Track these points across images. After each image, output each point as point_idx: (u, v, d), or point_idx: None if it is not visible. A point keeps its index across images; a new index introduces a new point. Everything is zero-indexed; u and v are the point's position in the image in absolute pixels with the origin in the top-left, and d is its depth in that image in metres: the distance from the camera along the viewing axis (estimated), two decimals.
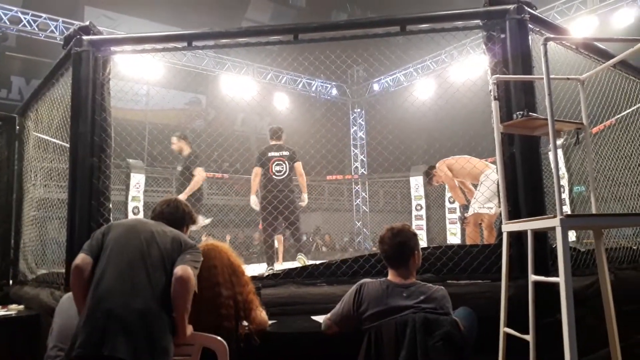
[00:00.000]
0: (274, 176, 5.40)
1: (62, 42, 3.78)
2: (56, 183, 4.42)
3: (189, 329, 2.11)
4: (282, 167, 5.43)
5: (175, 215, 2.46)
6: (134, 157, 8.71)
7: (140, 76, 9.38)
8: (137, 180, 8.44)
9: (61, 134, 4.03)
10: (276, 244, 6.51)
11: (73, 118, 3.37)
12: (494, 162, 4.94)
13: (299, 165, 5.56)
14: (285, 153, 5.53)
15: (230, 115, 14.23)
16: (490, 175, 4.90)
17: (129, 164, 8.56)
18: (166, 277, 2.08)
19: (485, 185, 4.92)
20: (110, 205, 3.34)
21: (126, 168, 8.50)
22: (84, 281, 2.06)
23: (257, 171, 5.56)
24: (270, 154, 5.51)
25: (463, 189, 5.59)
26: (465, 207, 5.34)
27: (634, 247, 4.08)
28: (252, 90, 11.61)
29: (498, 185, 2.87)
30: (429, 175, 5.55)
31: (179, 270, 2.05)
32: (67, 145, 3.56)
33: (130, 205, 8.22)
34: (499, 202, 2.66)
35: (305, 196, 5.70)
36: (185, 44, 3.48)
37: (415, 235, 2.45)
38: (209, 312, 2.27)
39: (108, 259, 2.07)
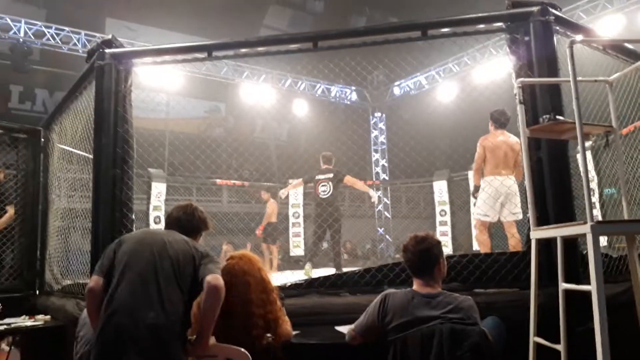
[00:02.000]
0: (320, 196, 6.37)
1: (84, 55, 3.84)
2: (80, 193, 4.49)
3: (212, 340, 2.10)
4: (327, 188, 6.35)
5: (192, 222, 2.45)
6: (154, 167, 8.81)
7: (160, 86, 9.52)
8: (159, 190, 8.54)
9: (84, 145, 4.09)
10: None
11: (96, 130, 3.42)
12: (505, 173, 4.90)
13: (349, 178, 6.50)
14: (330, 175, 6.40)
15: (249, 123, 14.31)
16: (492, 182, 4.87)
17: (150, 173, 8.66)
18: (179, 290, 2.07)
19: (487, 192, 4.89)
20: (133, 216, 3.36)
21: (147, 177, 8.60)
22: (99, 303, 2.06)
23: (299, 182, 7.15)
24: (318, 177, 6.47)
25: None
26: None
27: None
28: (271, 97, 11.67)
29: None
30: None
31: (211, 279, 2.04)
32: (91, 156, 3.61)
33: (152, 214, 8.32)
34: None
35: (371, 192, 7.02)
36: (205, 54, 3.50)
37: (439, 243, 2.40)
38: (240, 328, 2.26)
39: (121, 274, 2.07)
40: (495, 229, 5.59)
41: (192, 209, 2.50)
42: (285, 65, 11.88)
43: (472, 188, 5.66)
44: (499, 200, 4.87)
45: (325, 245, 7.15)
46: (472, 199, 5.62)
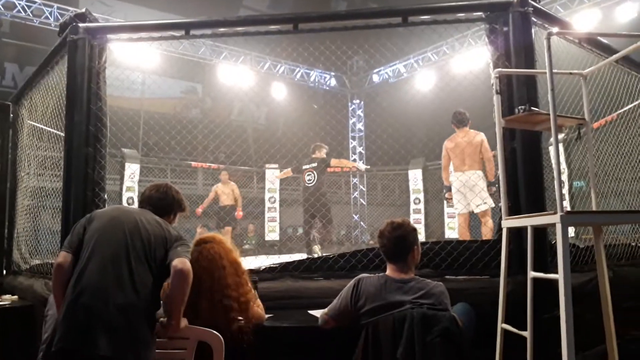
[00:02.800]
0: (306, 184, 6.59)
1: (56, 29, 3.71)
2: (51, 172, 4.38)
3: (184, 322, 2.08)
4: (311, 177, 6.55)
5: (164, 201, 2.37)
6: (128, 147, 8.64)
7: (135, 64, 9.28)
8: (132, 170, 8.39)
9: (56, 122, 3.97)
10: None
11: (68, 107, 3.32)
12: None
13: (334, 161, 6.83)
14: (314, 164, 6.58)
15: (226, 105, 14.11)
16: (459, 177, 5.39)
17: (124, 153, 8.49)
18: (150, 271, 2.03)
19: (455, 188, 5.45)
20: (106, 196, 3.29)
21: (121, 157, 8.42)
22: (66, 279, 2.01)
23: (287, 172, 7.30)
24: (304, 166, 6.70)
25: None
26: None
27: (633, 244, 4.07)
28: (250, 79, 11.52)
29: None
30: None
31: (177, 263, 2.01)
32: (62, 134, 3.51)
33: (125, 195, 8.18)
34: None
35: (360, 165, 7.63)
36: (182, 32, 3.42)
37: (414, 230, 2.43)
38: (210, 311, 2.24)
39: (90, 253, 2.02)
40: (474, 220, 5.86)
41: (165, 188, 2.42)
42: (265, 47, 11.74)
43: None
44: (465, 194, 5.28)
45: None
46: (447, 199, 5.86)
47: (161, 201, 2.36)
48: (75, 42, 3.31)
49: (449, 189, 5.59)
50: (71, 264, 2.04)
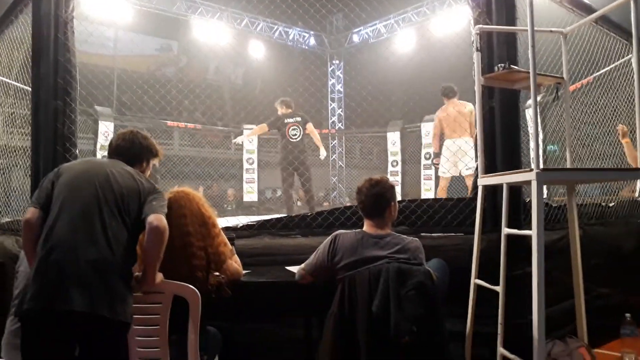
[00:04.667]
0: (291, 139, 6.31)
1: None
2: (19, 130, 4.22)
3: (159, 277, 2.06)
4: (297, 132, 6.33)
5: (132, 150, 2.26)
6: (102, 105, 8.39)
7: (107, 19, 8.91)
8: (106, 129, 8.17)
9: (23, 76, 3.80)
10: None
11: (34, 58, 3.17)
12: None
13: (310, 126, 6.48)
14: (298, 119, 6.40)
15: (203, 63, 13.72)
16: (450, 145, 5.89)
17: (97, 111, 8.24)
18: (124, 225, 1.98)
19: (445, 155, 5.95)
20: (77, 152, 3.20)
21: (95, 116, 8.19)
22: (36, 236, 1.94)
23: (262, 127, 6.73)
24: (286, 120, 6.39)
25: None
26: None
27: (602, 204, 4.18)
28: (226, 37, 11.19)
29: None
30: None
31: (153, 219, 1.96)
32: (29, 88, 3.36)
33: (99, 154, 7.99)
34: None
35: (322, 150, 6.78)
36: None
37: (392, 187, 2.44)
38: (180, 261, 2.23)
39: (60, 208, 1.94)
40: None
41: (131, 135, 2.30)
42: (242, 2, 11.35)
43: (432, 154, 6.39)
44: (455, 160, 5.84)
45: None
46: (435, 164, 6.24)
47: (129, 150, 2.25)
48: None
49: (438, 155, 6.10)
50: (40, 219, 1.97)
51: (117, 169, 2.09)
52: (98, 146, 8.07)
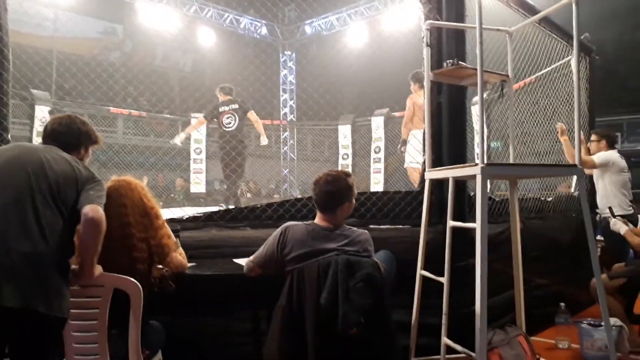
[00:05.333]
0: (224, 128, 6.08)
1: None
2: None
3: (98, 270, 1.96)
4: (232, 120, 6.05)
5: (68, 135, 2.11)
6: (39, 89, 7.91)
7: None
8: (44, 114, 7.72)
9: None
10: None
11: None
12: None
13: (252, 114, 6.19)
14: (235, 106, 6.10)
15: (150, 49, 13.25)
16: (418, 136, 5.45)
17: (33, 95, 7.77)
18: (60, 215, 1.85)
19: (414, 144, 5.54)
20: (10, 137, 2.98)
21: (29, 99, 7.71)
22: None
23: (200, 120, 6.55)
24: (221, 109, 6.13)
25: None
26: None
27: (542, 199, 4.37)
28: (175, 22, 10.84)
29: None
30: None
31: (89, 210, 1.83)
32: None
33: (36, 140, 7.54)
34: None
35: (264, 137, 6.48)
36: None
37: (350, 186, 2.38)
38: (120, 253, 2.13)
39: None
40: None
41: (68, 119, 2.15)
42: None
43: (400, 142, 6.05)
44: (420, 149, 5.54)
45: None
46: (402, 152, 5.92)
47: (65, 135, 2.10)
48: None
49: (405, 143, 5.79)
50: None
51: (52, 155, 1.95)
52: (34, 132, 7.61)
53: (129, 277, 2.01)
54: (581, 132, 2.88)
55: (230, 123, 6.04)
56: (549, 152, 4.84)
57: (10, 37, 3.03)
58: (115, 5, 10.95)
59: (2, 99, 2.92)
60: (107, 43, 13.26)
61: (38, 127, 7.60)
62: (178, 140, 6.59)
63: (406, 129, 5.76)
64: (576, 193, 4.93)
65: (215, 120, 6.20)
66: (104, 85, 7.06)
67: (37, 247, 1.76)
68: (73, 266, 1.93)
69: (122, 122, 10.46)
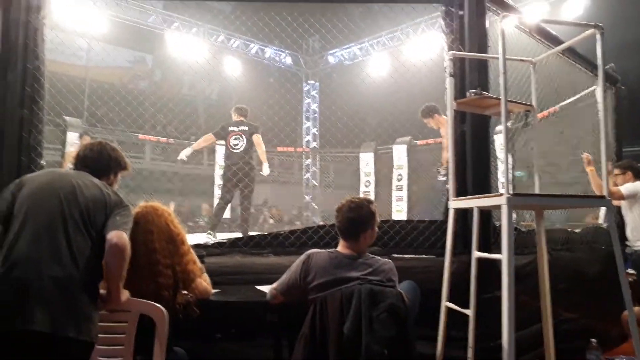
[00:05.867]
0: (231, 150, 5.74)
1: None
2: None
3: (125, 295, 1.99)
4: (239, 141, 5.72)
5: (99, 162, 2.17)
6: (72, 115, 8.19)
7: (80, 28, 8.75)
8: (74, 140, 7.95)
9: None
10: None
11: (1, 65, 3.05)
12: None
13: (257, 137, 5.77)
14: (244, 128, 5.77)
15: (177, 78, 13.63)
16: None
17: (66, 121, 8.04)
18: (90, 240, 1.89)
19: None
20: (43, 162, 3.09)
21: (63, 126, 7.98)
22: None
23: (207, 137, 6.03)
24: (230, 129, 5.82)
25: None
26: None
27: (569, 230, 4.28)
28: (202, 52, 11.16)
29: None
30: (430, 112, 5.44)
31: (113, 236, 1.87)
32: None
33: (67, 166, 7.76)
34: None
35: (266, 165, 6.01)
36: None
37: (373, 213, 2.38)
38: (146, 279, 2.16)
39: (22, 222, 1.84)
40: None
41: (99, 146, 2.22)
42: (217, 16, 11.35)
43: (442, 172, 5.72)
44: None
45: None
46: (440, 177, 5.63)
47: (96, 162, 2.17)
48: None
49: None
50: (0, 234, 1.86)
51: (83, 180, 2.01)
52: (66, 157, 7.84)
53: (155, 303, 2.03)
54: (608, 162, 2.84)
55: (237, 144, 5.74)
56: (575, 182, 4.77)
57: (47, 66, 3.18)
58: (146, 36, 11.35)
59: (38, 126, 3.05)
60: (137, 72, 13.70)
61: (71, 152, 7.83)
62: (184, 155, 6.21)
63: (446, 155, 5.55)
64: (605, 225, 4.81)
65: (224, 140, 5.87)
66: (134, 113, 7.25)
67: (67, 272, 1.80)
68: (101, 291, 1.97)
69: (149, 148, 10.71)
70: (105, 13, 9.57)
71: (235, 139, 5.74)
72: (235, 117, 5.96)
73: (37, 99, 3.05)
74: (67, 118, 8.07)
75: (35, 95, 3.04)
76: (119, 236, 1.88)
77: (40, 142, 3.05)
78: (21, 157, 2.97)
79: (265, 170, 6.04)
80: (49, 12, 3.19)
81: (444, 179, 5.35)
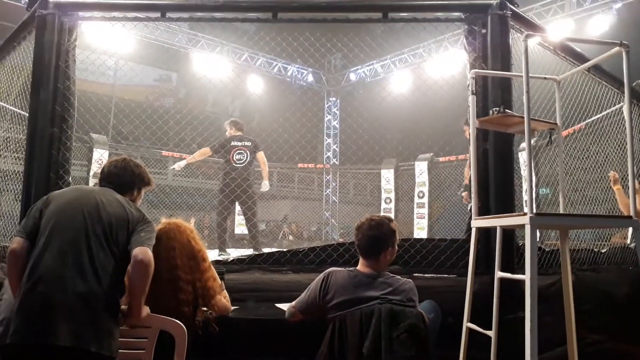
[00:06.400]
0: (234, 164, 5.69)
1: (25, 4, 3.56)
2: (13, 154, 4.21)
3: (145, 310, 2.01)
4: (243, 156, 5.73)
5: (124, 177, 2.21)
6: (99, 132, 8.41)
7: (108, 48, 9.03)
8: (100, 156, 8.15)
9: (21, 102, 3.81)
10: None
11: (34, 85, 3.18)
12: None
13: (261, 155, 5.86)
14: (247, 143, 5.82)
15: (201, 95, 13.90)
16: None
17: (92, 138, 8.25)
18: (112, 256, 1.92)
19: None
20: (70, 179, 3.18)
21: (89, 142, 8.19)
22: (21, 267, 1.88)
23: (203, 151, 6.03)
24: (232, 143, 5.81)
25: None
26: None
27: (595, 250, 4.17)
28: (226, 70, 11.37)
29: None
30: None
31: (138, 252, 1.90)
32: (27, 114, 3.37)
33: (92, 182, 7.94)
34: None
35: (266, 182, 6.09)
36: (158, 14, 3.32)
37: (393, 232, 2.37)
38: (167, 295, 2.18)
39: (47, 237, 1.88)
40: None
41: (123, 162, 2.26)
42: (242, 36, 11.56)
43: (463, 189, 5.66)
44: None
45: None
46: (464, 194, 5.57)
47: (120, 177, 2.20)
48: (44, 17, 3.17)
49: (467, 188, 5.28)
50: (25, 249, 1.91)
51: (106, 197, 2.05)
52: (91, 173, 8.03)
53: (174, 319, 2.05)
54: (635, 181, 2.78)
55: (241, 159, 5.70)
56: (602, 201, 4.66)
57: (77, 86, 3.29)
58: (171, 55, 11.64)
59: (66, 144, 3.14)
60: (162, 90, 14.01)
61: (95, 168, 8.02)
62: (177, 166, 6.32)
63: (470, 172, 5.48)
64: (632, 245, 4.67)
65: (226, 155, 5.78)
66: (158, 130, 7.39)
67: (91, 288, 1.83)
68: (122, 306, 1.99)
69: (172, 164, 10.88)
70: (133, 33, 9.84)
71: (239, 153, 5.74)
72: (233, 132, 5.94)
73: (67, 118, 3.15)
74: (94, 135, 8.29)
75: (65, 114, 3.14)
76: (144, 252, 1.92)
77: (68, 159, 3.13)
78: (50, 173, 3.05)
79: (265, 187, 6.08)
80: (79, 34, 3.30)
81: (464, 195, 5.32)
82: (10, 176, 4.16)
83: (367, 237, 2.33)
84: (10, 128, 4.19)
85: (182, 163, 6.27)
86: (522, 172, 5.48)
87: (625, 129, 2.40)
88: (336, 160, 13.72)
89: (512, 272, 2.59)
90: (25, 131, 3.35)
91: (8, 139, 4.29)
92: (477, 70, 2.91)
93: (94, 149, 8.22)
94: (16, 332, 1.75)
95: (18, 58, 3.87)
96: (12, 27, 4.07)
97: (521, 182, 4.84)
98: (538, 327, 2.03)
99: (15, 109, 4.04)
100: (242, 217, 10.60)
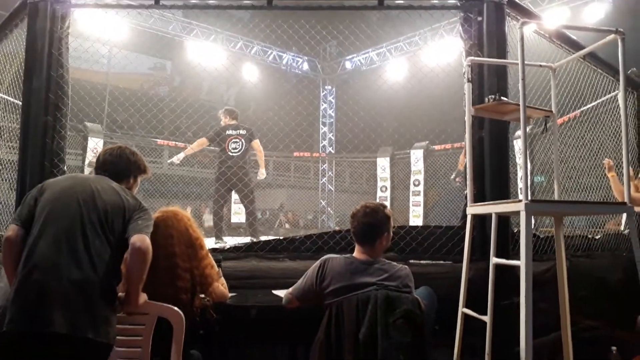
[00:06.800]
0: (230, 153, 5.65)
1: None
2: (7, 143, 4.18)
3: (143, 297, 2.02)
4: (238, 145, 5.69)
5: (119, 165, 2.21)
6: (93, 121, 8.35)
7: (102, 36, 8.94)
8: (95, 145, 8.10)
9: (14, 90, 3.78)
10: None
11: (27, 73, 3.16)
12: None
13: (257, 143, 5.84)
14: (242, 132, 5.77)
15: (196, 84, 13.82)
16: None
17: (87, 127, 8.20)
18: (108, 244, 1.93)
19: None
20: (65, 168, 3.16)
21: (84, 131, 8.14)
22: (16, 254, 1.88)
23: (200, 142, 5.97)
24: (227, 132, 5.75)
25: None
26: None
27: (589, 236, 4.21)
28: (221, 58, 11.29)
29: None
30: None
31: (136, 240, 1.91)
32: (20, 102, 3.35)
33: (87, 170, 7.90)
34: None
35: (263, 171, 6.01)
36: (152, 1, 3.29)
37: (388, 218, 2.39)
38: (165, 282, 2.19)
39: (42, 226, 1.89)
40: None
41: (119, 150, 2.25)
42: (236, 24, 11.48)
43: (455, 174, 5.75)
44: None
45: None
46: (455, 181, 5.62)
47: (116, 165, 2.20)
48: (36, 4, 3.14)
49: (461, 174, 5.48)
50: (20, 237, 1.92)
51: (102, 185, 2.05)
52: (86, 162, 7.99)
53: (172, 306, 2.06)
54: (630, 168, 2.79)
55: (236, 148, 5.67)
56: (596, 188, 4.68)
57: (70, 74, 3.26)
58: (165, 43, 11.53)
59: (61, 132, 3.12)
60: (157, 78, 13.92)
61: (90, 157, 7.98)
62: (176, 159, 6.27)
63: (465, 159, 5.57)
64: (626, 231, 4.72)
65: (221, 143, 5.75)
66: (154, 119, 7.35)
67: (86, 275, 1.83)
68: (119, 294, 2.00)
69: (167, 153, 10.84)
70: (127, 21, 9.75)
71: (235, 142, 5.70)
72: (228, 120, 5.91)
73: (61, 106, 3.12)
74: (88, 124, 8.24)
75: (59, 102, 3.12)
76: (142, 239, 1.92)
77: (62, 148, 3.12)
78: (44, 162, 3.04)
79: (262, 175, 6.02)
80: (72, 21, 3.27)
81: (458, 183, 5.39)
82: (4, 165, 4.13)
83: (362, 224, 2.34)
84: (4, 117, 4.16)
85: (181, 155, 6.23)
86: (517, 159, 5.50)
87: (620, 116, 2.41)
88: (332, 148, 13.72)
89: (507, 259, 2.61)
90: (19, 120, 3.33)
91: (2, 128, 4.26)
92: (473, 57, 2.91)
93: (89, 138, 8.16)
94: (12, 320, 1.75)
95: (10, 46, 3.83)
96: (3, 14, 4.02)
97: (516, 170, 4.86)
98: (533, 313, 2.06)
99: (9, 98, 4.00)
100: (239, 205, 10.69)
